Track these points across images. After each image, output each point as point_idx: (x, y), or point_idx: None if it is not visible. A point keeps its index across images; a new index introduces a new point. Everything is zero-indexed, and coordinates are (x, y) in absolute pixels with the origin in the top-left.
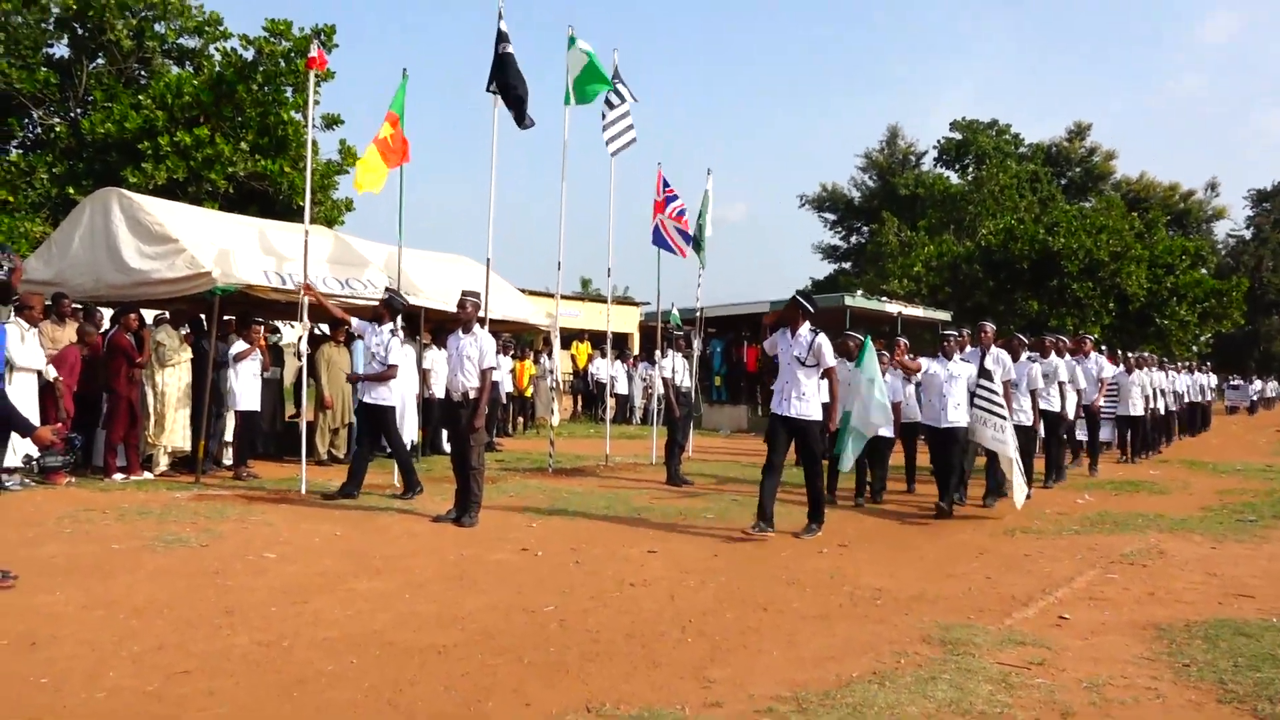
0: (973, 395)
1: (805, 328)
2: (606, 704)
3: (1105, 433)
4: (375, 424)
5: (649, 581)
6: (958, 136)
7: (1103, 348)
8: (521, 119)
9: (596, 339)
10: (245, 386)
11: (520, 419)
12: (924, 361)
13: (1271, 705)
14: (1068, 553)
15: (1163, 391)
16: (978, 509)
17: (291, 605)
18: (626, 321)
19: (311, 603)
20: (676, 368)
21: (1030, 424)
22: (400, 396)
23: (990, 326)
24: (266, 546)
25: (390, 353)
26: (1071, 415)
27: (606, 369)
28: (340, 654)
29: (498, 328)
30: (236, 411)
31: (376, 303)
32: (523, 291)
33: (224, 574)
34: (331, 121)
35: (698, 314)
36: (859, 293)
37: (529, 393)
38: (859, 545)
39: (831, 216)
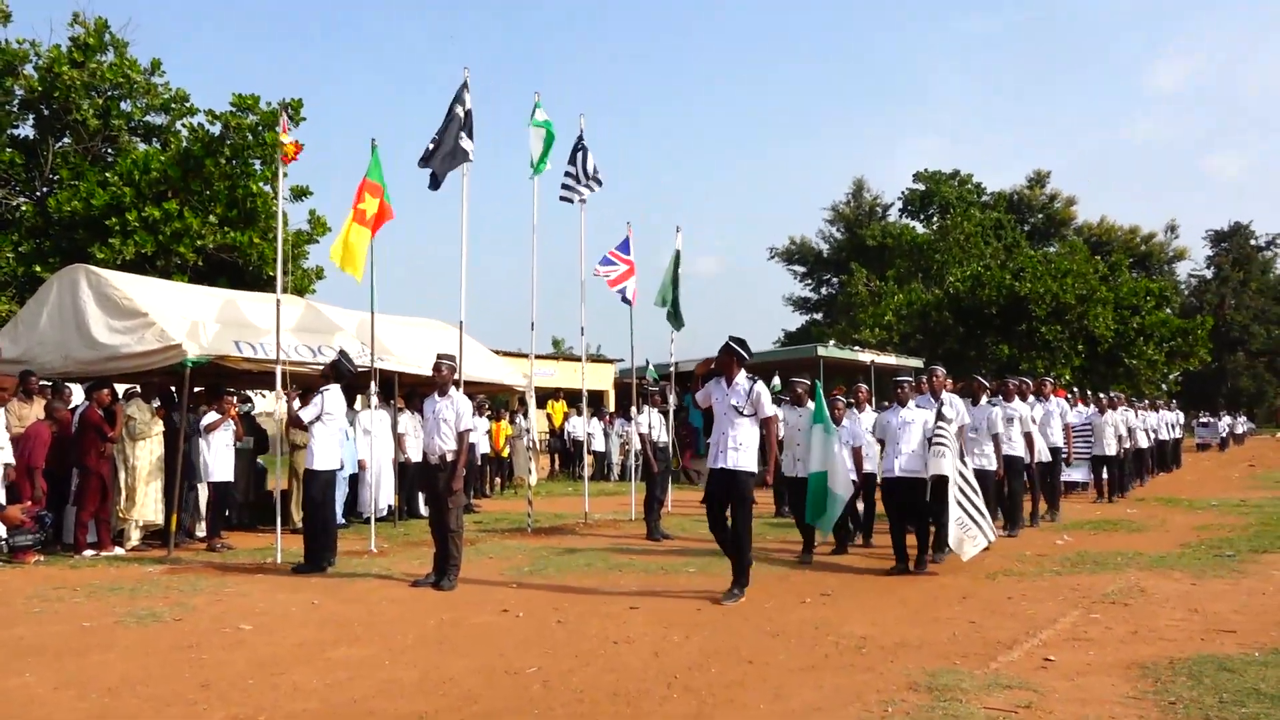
0: (929, 439)
1: (742, 375)
2: None
3: (1081, 474)
4: (304, 488)
5: (632, 639)
6: (921, 187)
7: (1074, 390)
8: (436, 180)
9: (572, 397)
10: (217, 457)
11: (497, 480)
12: (883, 416)
13: None
14: (1050, 594)
15: (1133, 430)
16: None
17: (269, 677)
18: (601, 379)
19: (289, 674)
20: (653, 423)
21: (994, 469)
22: (375, 460)
23: (941, 371)
24: (242, 618)
25: (314, 410)
26: (1036, 459)
27: (583, 426)
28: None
29: (473, 389)
30: (209, 483)
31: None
32: (496, 353)
33: (199, 648)
34: (300, 193)
35: (672, 368)
36: (831, 343)
37: (505, 453)
38: (841, 594)
39: (801, 269)
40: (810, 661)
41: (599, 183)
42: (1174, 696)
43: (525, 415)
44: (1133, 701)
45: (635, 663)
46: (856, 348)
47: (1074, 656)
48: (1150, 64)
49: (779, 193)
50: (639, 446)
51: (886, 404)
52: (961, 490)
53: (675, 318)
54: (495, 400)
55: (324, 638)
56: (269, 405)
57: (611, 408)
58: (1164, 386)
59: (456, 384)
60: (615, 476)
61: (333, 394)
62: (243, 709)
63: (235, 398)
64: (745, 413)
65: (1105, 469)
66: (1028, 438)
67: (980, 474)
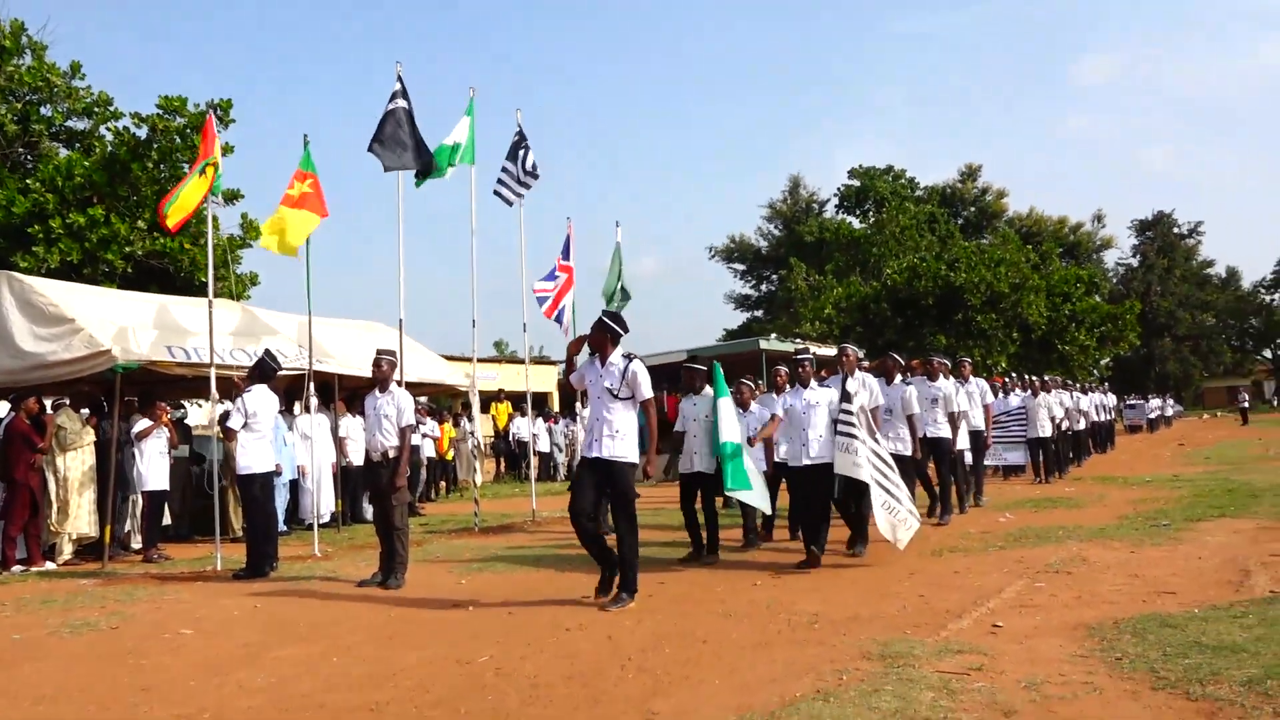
0: (835, 422)
1: (617, 354)
2: None
3: (1017, 456)
4: (241, 493)
5: (584, 625)
6: (856, 183)
7: (1010, 375)
8: (421, 170)
9: (515, 399)
10: (151, 466)
11: (443, 483)
12: (779, 403)
13: (1202, 688)
14: (995, 566)
15: (1068, 412)
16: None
17: (212, 678)
18: (545, 380)
19: (233, 674)
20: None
21: (910, 453)
22: (315, 466)
23: (852, 349)
24: (182, 624)
25: (239, 417)
26: (961, 444)
27: (528, 428)
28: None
29: (415, 391)
30: (144, 492)
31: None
32: (440, 357)
33: (137, 654)
34: (231, 197)
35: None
36: (773, 336)
37: (450, 456)
38: (792, 575)
39: (741, 266)
40: (763, 639)
41: (535, 177)
42: (1120, 653)
43: (469, 418)
44: (1080, 659)
45: (588, 647)
46: (797, 340)
47: (1021, 622)
48: (1075, 58)
49: (717, 191)
50: None
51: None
52: (879, 472)
53: (621, 299)
54: (439, 403)
55: (268, 639)
56: (203, 417)
57: (556, 408)
58: (1095, 371)
59: (398, 381)
60: (561, 476)
61: (256, 395)
62: (185, 708)
63: (168, 405)
64: (621, 395)
65: (1041, 451)
66: (952, 419)
67: (897, 459)
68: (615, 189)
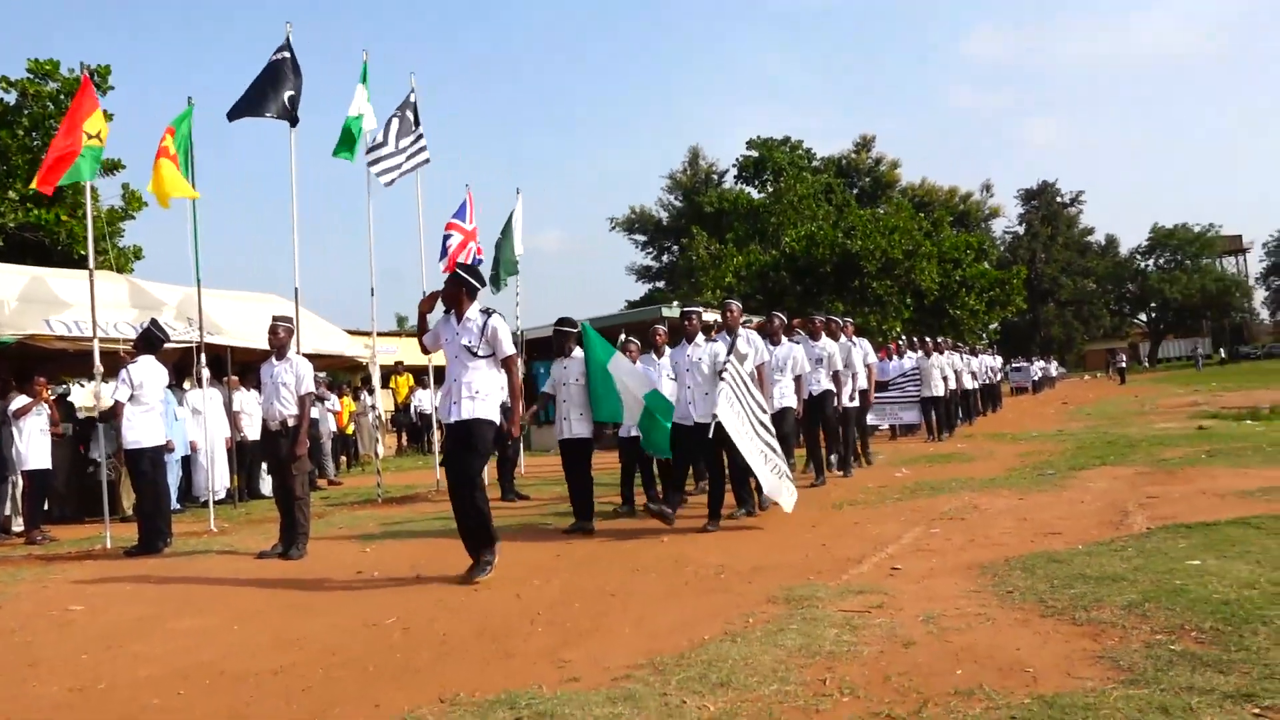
0: (719, 374)
1: (474, 309)
2: (461, 694)
3: (912, 415)
4: (129, 469)
5: (493, 584)
6: (755, 154)
7: (903, 338)
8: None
9: (417, 372)
10: (32, 444)
11: (344, 458)
12: (665, 359)
13: (1087, 613)
14: (893, 516)
15: (959, 373)
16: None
17: (106, 650)
18: None
19: (127, 646)
20: (501, 385)
21: (793, 406)
22: (208, 441)
23: (736, 305)
24: (71, 600)
25: (125, 388)
26: (849, 401)
27: (430, 399)
28: (165, 688)
29: (313, 364)
30: (24, 472)
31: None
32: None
33: (24, 631)
34: (112, 167)
35: (518, 336)
36: (675, 304)
37: (350, 430)
38: (697, 533)
39: (642, 238)
40: (671, 589)
41: (419, 135)
42: (1010, 587)
43: (370, 391)
44: (974, 595)
45: (498, 605)
46: (700, 308)
47: (918, 564)
48: (966, 33)
49: (618, 164)
50: None
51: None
52: (757, 431)
53: (501, 276)
54: (337, 378)
55: (164, 611)
56: (87, 397)
57: None
58: (985, 335)
59: (296, 349)
60: None
61: (143, 366)
62: (78, 680)
63: (48, 381)
64: (480, 353)
65: (934, 410)
66: (837, 377)
67: (781, 413)
68: (516, 163)
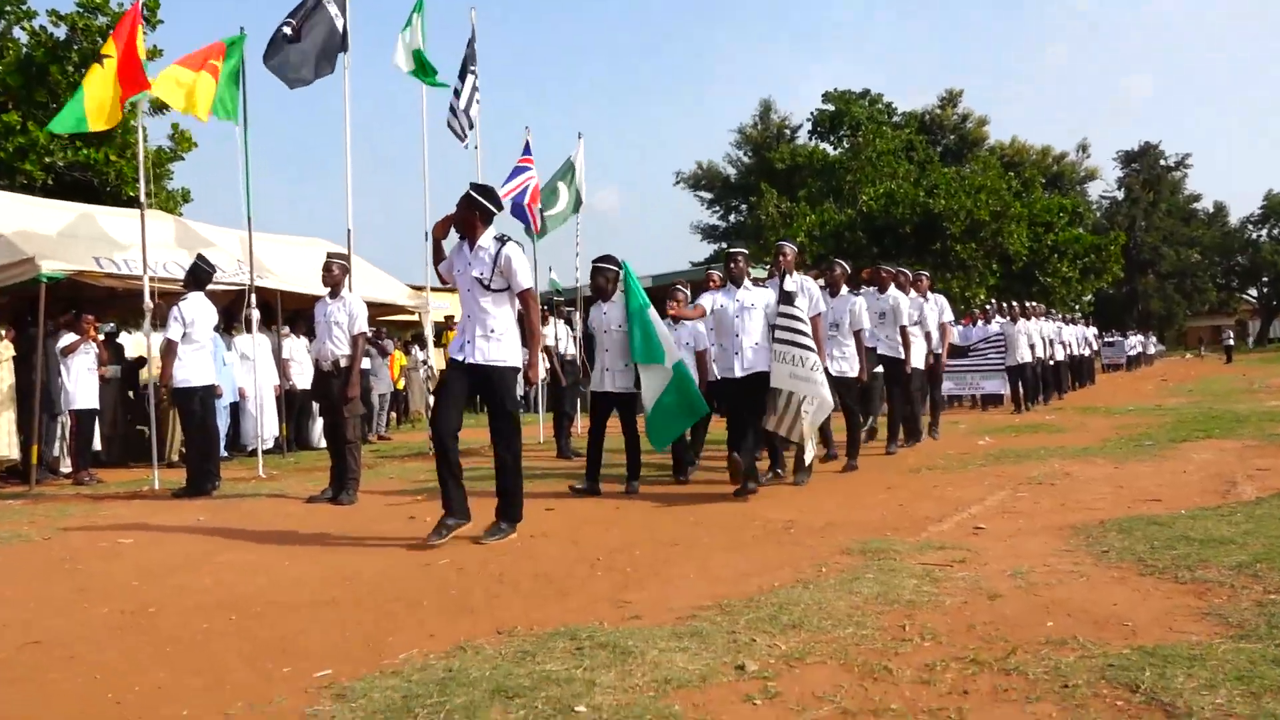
0: (773, 328)
1: (488, 236)
2: (518, 627)
3: (995, 384)
4: (179, 408)
5: (549, 533)
6: (831, 108)
7: (990, 303)
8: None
9: None
10: (79, 384)
11: (393, 414)
12: (707, 298)
13: (1191, 572)
14: (975, 481)
15: (1051, 341)
16: (877, 454)
17: (154, 579)
18: None
19: (177, 577)
20: (559, 335)
21: (854, 375)
22: (257, 388)
23: (790, 248)
24: (121, 534)
25: (177, 326)
26: (919, 364)
27: None
28: (216, 615)
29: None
30: (72, 411)
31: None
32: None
33: (75, 560)
34: (160, 106)
35: (579, 290)
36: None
37: (401, 385)
38: (761, 492)
39: (708, 195)
40: (737, 541)
41: (471, 125)
42: (1106, 546)
43: (421, 345)
44: (1065, 553)
45: (554, 551)
46: (770, 267)
47: (1004, 524)
48: None
49: (683, 118)
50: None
51: None
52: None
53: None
54: (384, 334)
55: (212, 547)
56: (138, 345)
57: None
58: (1077, 306)
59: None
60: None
61: (193, 302)
62: (128, 604)
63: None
64: (493, 286)
65: (1020, 379)
66: (905, 335)
67: (839, 380)
68: (573, 114)
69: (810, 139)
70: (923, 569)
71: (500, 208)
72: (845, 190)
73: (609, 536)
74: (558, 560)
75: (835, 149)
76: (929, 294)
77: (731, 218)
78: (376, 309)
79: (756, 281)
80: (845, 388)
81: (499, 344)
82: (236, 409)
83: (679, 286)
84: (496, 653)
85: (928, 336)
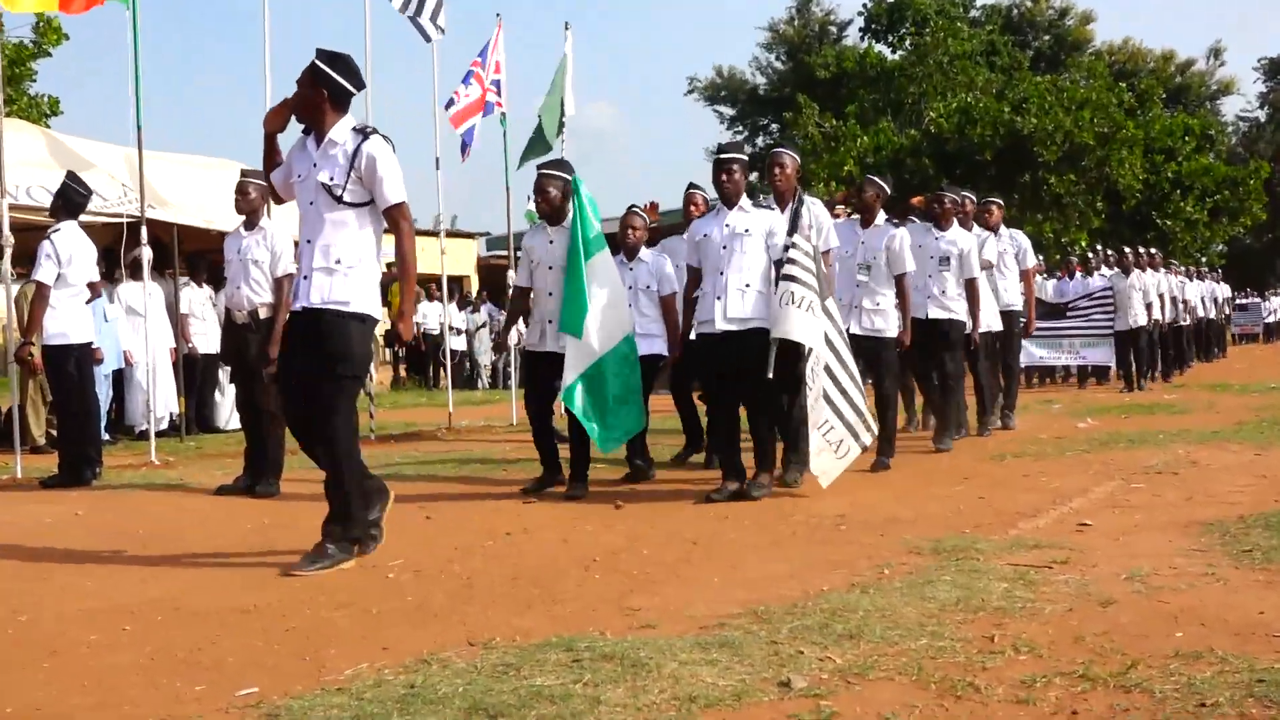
0: (778, 265)
1: (343, 126)
2: (497, 638)
3: (1101, 354)
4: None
5: (530, 530)
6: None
7: (1094, 249)
8: None
9: (423, 281)
10: None
11: None
12: (698, 225)
13: None
14: (1077, 469)
15: (1173, 300)
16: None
17: (26, 583)
18: (462, 258)
19: (55, 579)
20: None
21: (892, 336)
22: (149, 352)
23: (790, 157)
24: None
25: (50, 265)
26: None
27: (438, 315)
28: (104, 623)
29: None
30: None
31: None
32: None
33: None
34: None
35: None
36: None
37: None
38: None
39: (729, 111)
40: (774, 539)
41: (440, 29)
42: (1248, 545)
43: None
44: (1195, 554)
45: (537, 551)
46: (742, 156)
47: (1116, 520)
48: None
49: (698, 10)
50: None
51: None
52: (830, 370)
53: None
54: None
55: (98, 546)
56: None
57: (475, 293)
58: (1204, 257)
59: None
60: (484, 383)
61: (67, 235)
62: None
63: None
64: (347, 198)
65: (1132, 347)
66: (971, 288)
67: (868, 342)
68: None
69: (862, 39)
70: (1014, 571)
71: (361, 85)
72: (907, 105)
73: (610, 534)
74: (543, 561)
75: (894, 52)
76: (1002, 228)
77: (759, 140)
78: None
79: (753, 199)
80: (876, 354)
81: (345, 281)
82: (121, 379)
83: (697, 187)
84: (470, 666)
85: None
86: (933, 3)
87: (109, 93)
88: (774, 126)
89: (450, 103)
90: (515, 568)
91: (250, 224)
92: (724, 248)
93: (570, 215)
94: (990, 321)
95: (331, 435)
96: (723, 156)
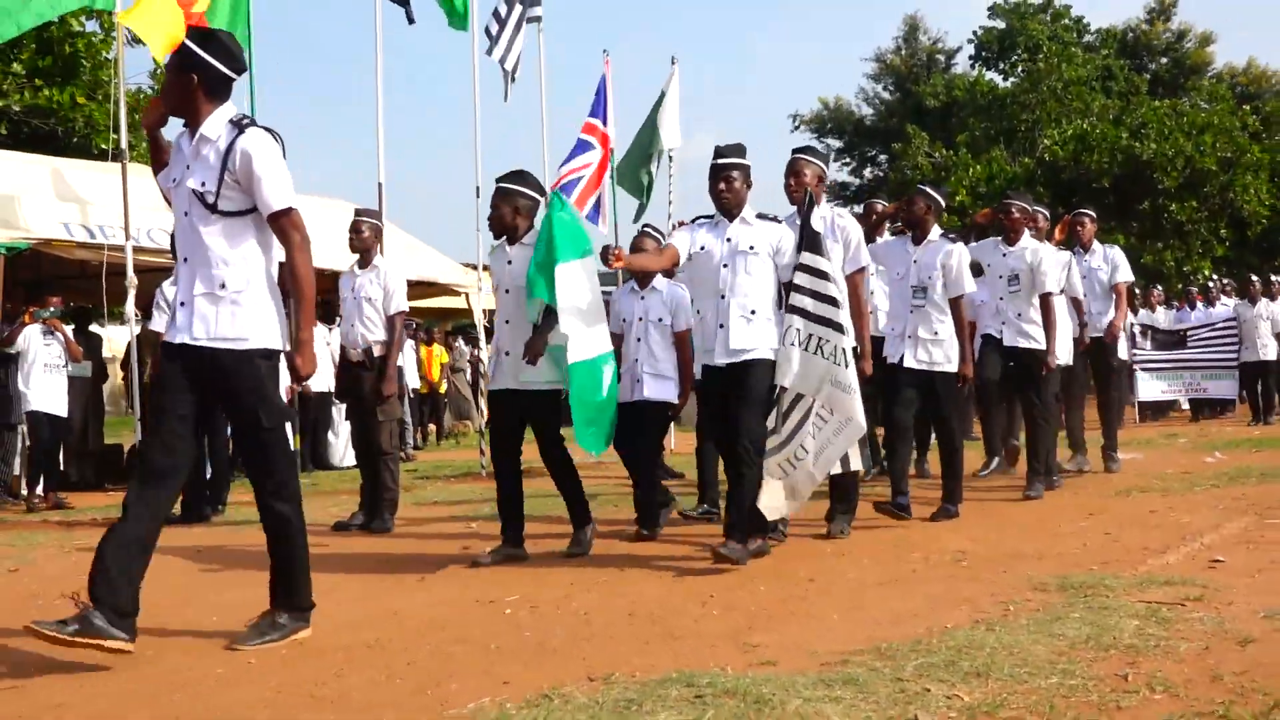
0: (788, 289)
1: (218, 118)
2: (616, 673)
3: (1223, 387)
4: None
5: (643, 565)
6: (1000, 25)
7: (1213, 279)
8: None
9: None
10: (40, 383)
11: (432, 425)
12: (683, 236)
13: None
14: (1208, 505)
15: None
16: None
17: (149, 618)
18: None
19: (179, 613)
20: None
21: (951, 368)
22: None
23: (813, 165)
24: None
25: (163, 313)
26: (1065, 357)
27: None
28: (229, 659)
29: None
30: (29, 414)
31: None
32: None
33: (45, 597)
34: (139, 38)
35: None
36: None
37: (443, 389)
38: (917, 514)
39: (836, 143)
40: (892, 576)
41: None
42: None
43: (471, 341)
44: None
45: (654, 587)
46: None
47: (1251, 557)
48: None
49: (802, 40)
50: None
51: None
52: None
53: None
54: (425, 322)
55: (218, 581)
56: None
57: None
58: None
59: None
60: None
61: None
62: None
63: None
64: (221, 205)
65: (1261, 381)
66: (1045, 304)
67: (931, 379)
68: (663, 34)
69: (972, 66)
70: (1146, 608)
71: (241, 68)
72: (1020, 133)
73: (726, 573)
74: (658, 597)
75: (1006, 79)
76: (1096, 245)
77: (868, 172)
78: (412, 289)
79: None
80: (932, 389)
81: (228, 311)
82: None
83: (649, 229)
84: (592, 701)
85: (1075, 303)
86: (1045, 29)
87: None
88: (882, 158)
89: (569, 188)
90: (631, 604)
91: (364, 262)
92: (725, 265)
93: (535, 231)
94: (1060, 352)
95: (280, 478)
96: (720, 162)
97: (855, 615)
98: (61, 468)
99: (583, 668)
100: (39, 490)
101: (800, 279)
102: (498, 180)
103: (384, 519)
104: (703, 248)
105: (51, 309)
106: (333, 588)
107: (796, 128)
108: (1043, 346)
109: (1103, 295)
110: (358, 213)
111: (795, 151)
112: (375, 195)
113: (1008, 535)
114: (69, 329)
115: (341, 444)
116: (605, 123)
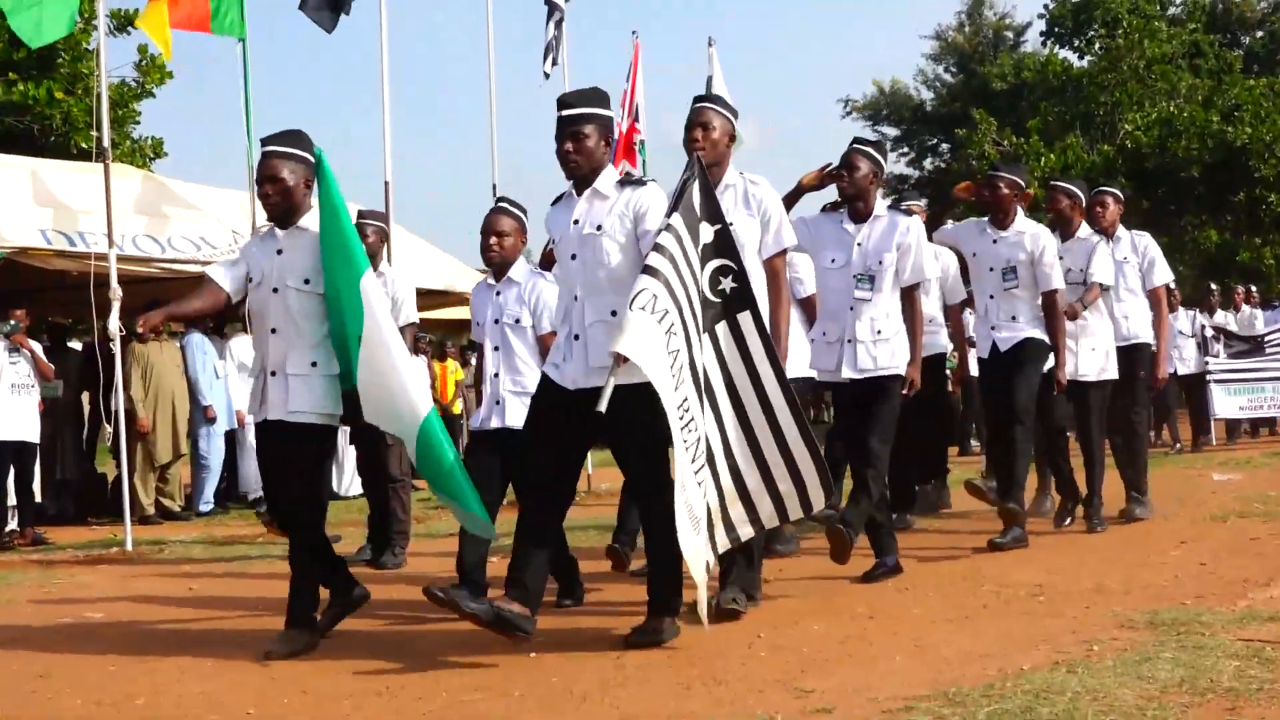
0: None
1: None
2: None
3: None
4: None
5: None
6: None
7: None
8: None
9: None
10: (6, 408)
11: None
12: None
13: None
14: None
15: None
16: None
17: (140, 663)
18: None
19: (167, 656)
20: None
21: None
22: None
23: (717, 116)
24: (86, 608)
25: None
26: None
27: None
28: (228, 703)
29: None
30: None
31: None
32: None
33: (26, 642)
34: (125, 22)
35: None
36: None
37: (457, 409)
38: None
39: (893, 131)
40: (963, 612)
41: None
42: None
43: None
44: None
45: (694, 626)
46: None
47: None
48: None
49: (855, 19)
50: None
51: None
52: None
53: None
54: (438, 335)
55: (216, 620)
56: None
57: None
58: None
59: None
60: None
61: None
62: (105, 695)
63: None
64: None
65: None
66: (1049, 302)
67: (929, 407)
68: (696, 7)
69: (1043, 44)
70: (1246, 647)
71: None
72: (1099, 117)
73: (773, 609)
74: (701, 637)
75: (1081, 58)
76: (1122, 231)
77: (928, 162)
78: (423, 299)
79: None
80: (925, 410)
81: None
82: (233, 441)
83: (502, 202)
84: None
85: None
86: (1125, 1)
87: (214, 132)
88: (944, 147)
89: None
90: (670, 644)
91: (370, 267)
92: (572, 256)
93: (312, 209)
94: (1105, 366)
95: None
96: (566, 114)
97: (919, 655)
98: (38, 499)
99: (616, 716)
100: (13, 525)
101: (663, 240)
102: (263, 141)
103: (395, 553)
104: (556, 237)
105: (13, 323)
106: (337, 629)
107: (848, 113)
108: (1089, 375)
109: (1132, 293)
110: (361, 214)
111: (697, 99)
112: (382, 195)
113: (1089, 566)
114: (37, 346)
115: (347, 471)
116: (625, 111)
